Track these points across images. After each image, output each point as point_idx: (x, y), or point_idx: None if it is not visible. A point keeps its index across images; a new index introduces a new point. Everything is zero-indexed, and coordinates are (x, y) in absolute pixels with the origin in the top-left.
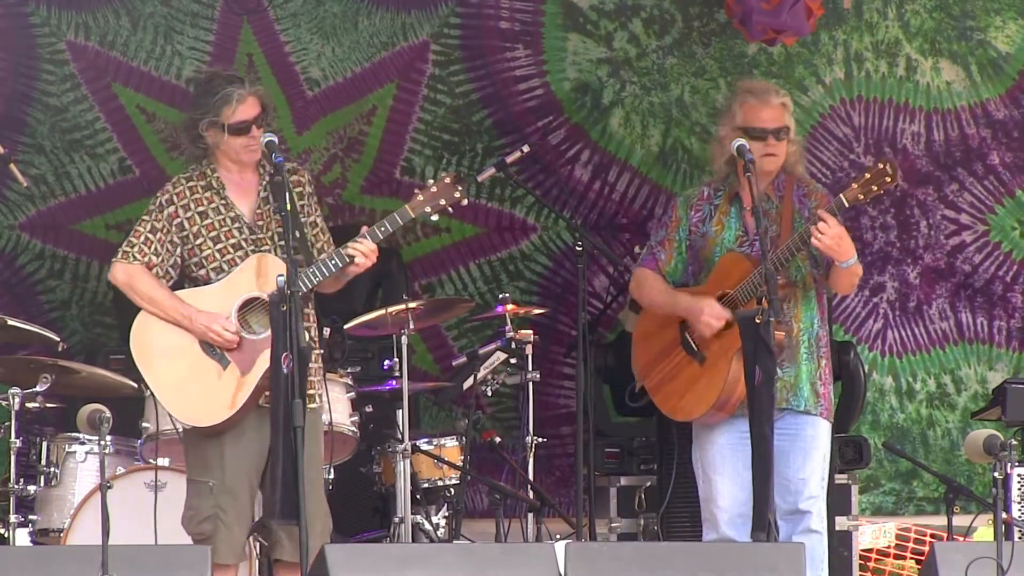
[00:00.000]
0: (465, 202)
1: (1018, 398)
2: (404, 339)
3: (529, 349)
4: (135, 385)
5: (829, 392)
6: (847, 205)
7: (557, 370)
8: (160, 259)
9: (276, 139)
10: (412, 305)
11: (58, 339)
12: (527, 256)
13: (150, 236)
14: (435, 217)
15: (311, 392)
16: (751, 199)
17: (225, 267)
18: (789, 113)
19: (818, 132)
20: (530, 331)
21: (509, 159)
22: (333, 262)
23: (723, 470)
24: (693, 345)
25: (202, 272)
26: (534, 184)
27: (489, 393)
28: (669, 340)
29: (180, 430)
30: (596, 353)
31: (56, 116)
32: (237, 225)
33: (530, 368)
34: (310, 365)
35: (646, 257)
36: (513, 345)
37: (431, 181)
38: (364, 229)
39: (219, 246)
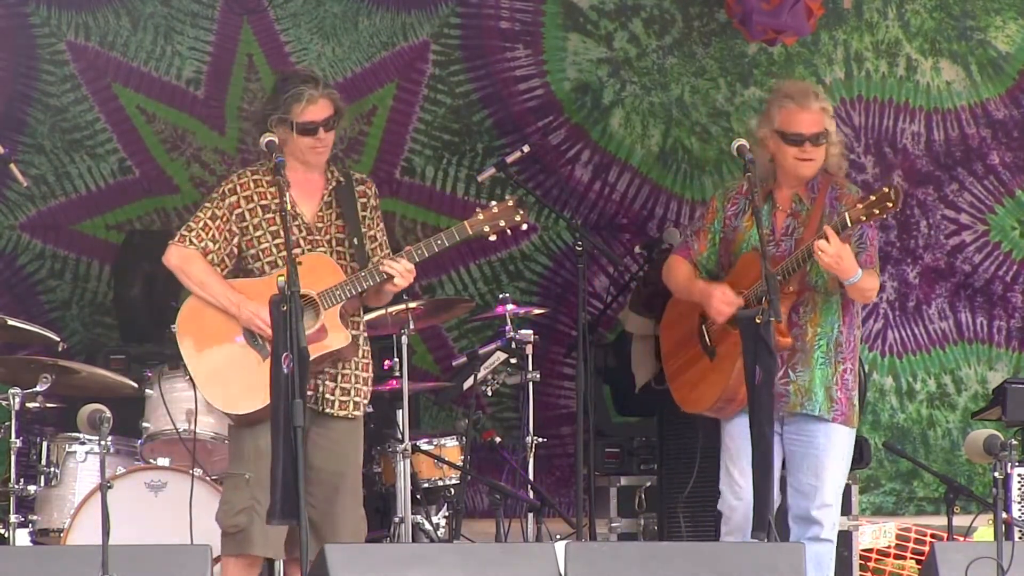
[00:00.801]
0: (525, 227)
1: (1018, 398)
2: (404, 339)
3: (529, 349)
4: (135, 385)
5: (849, 397)
6: (850, 224)
7: (557, 370)
8: (217, 246)
9: (276, 139)
10: (412, 305)
11: (58, 339)
12: (527, 256)
13: (209, 223)
14: (493, 238)
15: (356, 399)
16: (752, 198)
17: (280, 262)
18: (829, 117)
19: None
20: (530, 331)
21: (509, 159)
22: (365, 277)
23: (739, 462)
24: (708, 339)
25: (258, 265)
26: (534, 184)
27: (489, 393)
28: (688, 330)
29: (181, 430)
30: (596, 353)
31: (56, 116)
32: (297, 223)
33: (530, 368)
34: (356, 373)
35: (680, 246)
36: (513, 345)
37: (493, 203)
38: (408, 248)
39: (277, 241)
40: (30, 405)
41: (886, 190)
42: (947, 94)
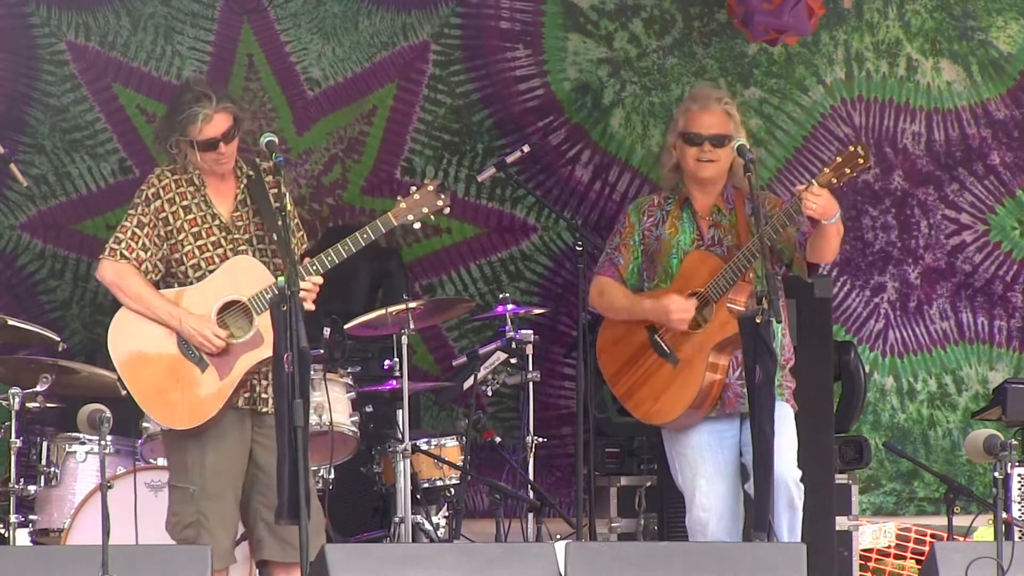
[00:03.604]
0: (447, 211)
1: (1018, 398)
2: (404, 339)
3: (529, 349)
4: None
5: (789, 358)
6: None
7: (557, 370)
8: (148, 254)
9: (276, 139)
10: (412, 305)
11: (58, 339)
12: (527, 256)
13: (137, 231)
14: (417, 225)
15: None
16: (752, 197)
17: (203, 265)
18: (735, 122)
19: (819, 132)
20: (530, 331)
21: (509, 159)
22: (271, 296)
23: (705, 471)
24: (664, 347)
25: (181, 269)
26: (534, 184)
27: (489, 393)
28: (638, 345)
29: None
30: (596, 353)
31: (56, 116)
32: (217, 223)
33: (530, 368)
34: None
35: (604, 265)
36: (513, 345)
37: (413, 188)
38: (306, 260)
39: (199, 243)
40: (30, 405)
41: (852, 148)
42: (948, 94)
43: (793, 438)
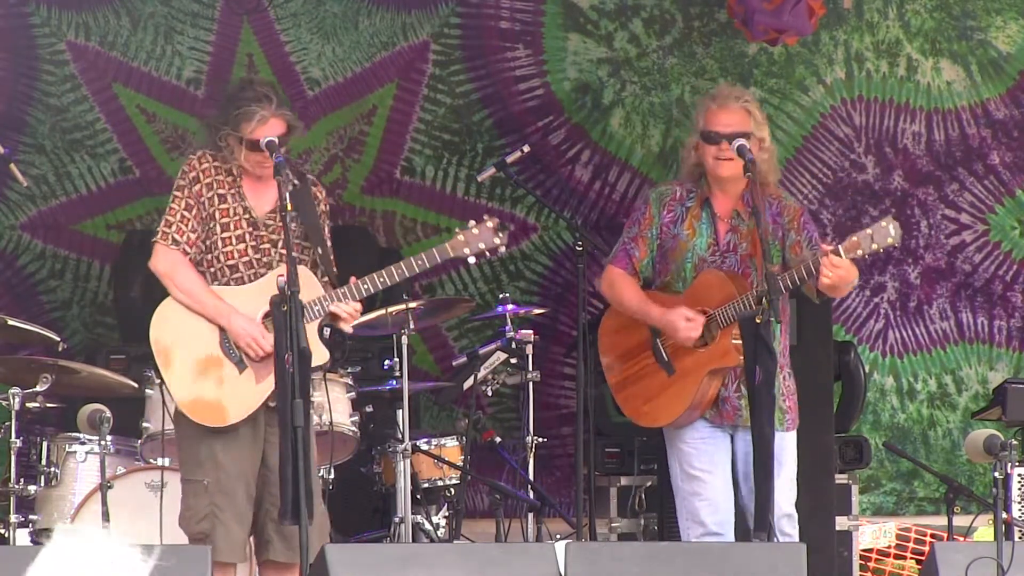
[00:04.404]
0: (503, 250)
1: (1018, 398)
2: (404, 339)
3: (529, 349)
4: (135, 385)
5: (794, 401)
6: (843, 256)
7: (557, 370)
8: (196, 236)
9: (276, 139)
10: (412, 305)
11: (58, 339)
12: (527, 256)
13: (186, 214)
14: (472, 260)
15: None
16: (752, 197)
17: (221, 258)
18: (756, 121)
19: (819, 132)
20: (530, 331)
21: (509, 159)
22: (318, 308)
23: (704, 467)
24: (664, 355)
25: (207, 257)
26: (534, 184)
27: (489, 393)
28: (639, 341)
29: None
30: (596, 353)
31: (56, 116)
32: (248, 217)
33: (530, 368)
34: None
35: (619, 254)
36: (513, 345)
37: (472, 222)
38: (353, 281)
39: (225, 234)
40: (30, 405)
41: (884, 224)
42: (947, 94)
43: (791, 476)
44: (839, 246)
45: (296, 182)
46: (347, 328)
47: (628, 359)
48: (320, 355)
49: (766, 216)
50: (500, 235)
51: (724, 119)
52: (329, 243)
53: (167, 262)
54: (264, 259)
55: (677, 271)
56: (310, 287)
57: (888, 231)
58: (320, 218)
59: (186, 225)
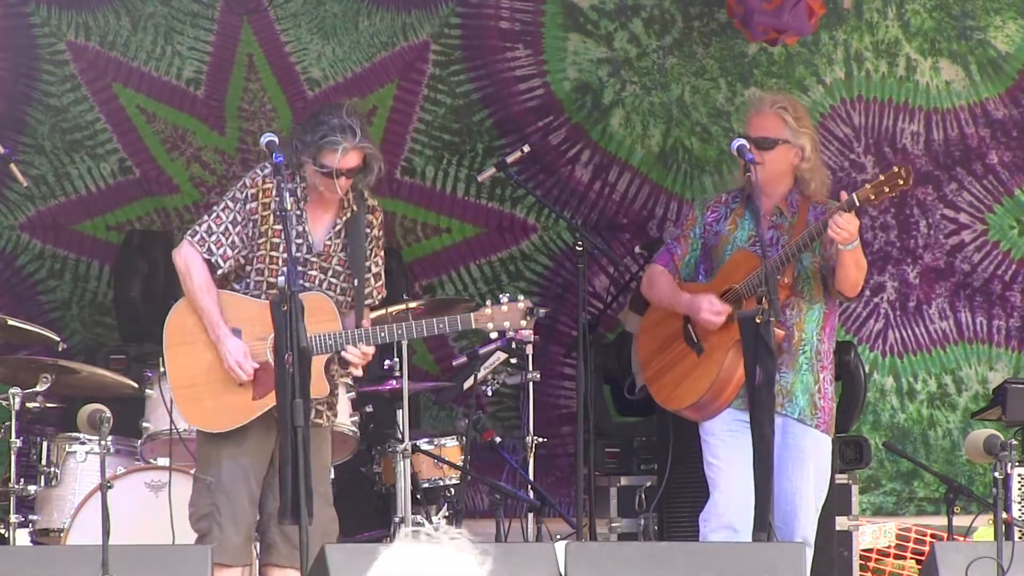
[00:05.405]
0: (528, 333)
1: (1018, 398)
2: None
3: (529, 349)
4: (135, 385)
5: (830, 408)
6: (858, 204)
7: (557, 370)
8: (235, 251)
9: (276, 139)
10: (412, 305)
11: (58, 339)
12: (527, 256)
13: (230, 227)
14: (494, 335)
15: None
16: (752, 195)
17: (265, 272)
18: (789, 128)
19: (818, 132)
20: (530, 331)
21: (509, 159)
22: (331, 342)
23: (724, 457)
24: (694, 337)
25: (246, 269)
26: (534, 184)
27: (489, 393)
28: (671, 332)
29: (181, 430)
30: (596, 353)
31: (56, 116)
32: (300, 240)
33: (530, 368)
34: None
35: (661, 253)
36: (513, 345)
37: (505, 297)
38: (376, 327)
39: (273, 253)
40: (30, 405)
41: (897, 169)
42: (946, 94)
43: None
44: (853, 194)
45: (355, 208)
46: (356, 372)
47: (662, 351)
48: (320, 389)
49: (808, 218)
50: (527, 319)
51: (756, 123)
52: (377, 269)
53: (186, 260)
54: (307, 285)
55: (718, 264)
56: (326, 318)
57: (900, 174)
58: (370, 244)
59: (227, 239)
